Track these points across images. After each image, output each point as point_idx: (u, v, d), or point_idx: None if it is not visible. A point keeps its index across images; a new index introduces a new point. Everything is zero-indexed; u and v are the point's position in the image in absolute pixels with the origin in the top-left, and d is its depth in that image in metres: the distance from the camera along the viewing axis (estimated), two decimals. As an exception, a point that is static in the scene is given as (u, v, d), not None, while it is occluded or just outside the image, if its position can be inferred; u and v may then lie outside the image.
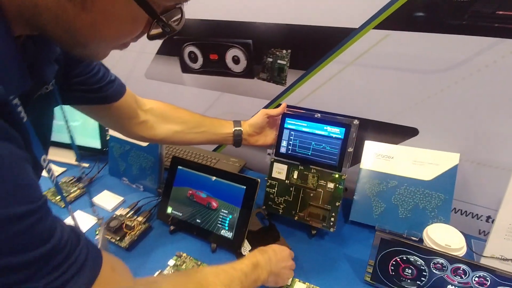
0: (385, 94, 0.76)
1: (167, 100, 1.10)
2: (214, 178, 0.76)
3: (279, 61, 0.83)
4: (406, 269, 0.60)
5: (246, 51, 0.87)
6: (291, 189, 0.78)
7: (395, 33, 0.69)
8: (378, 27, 0.70)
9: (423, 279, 0.59)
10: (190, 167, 0.80)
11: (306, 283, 0.66)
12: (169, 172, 0.82)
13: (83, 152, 1.08)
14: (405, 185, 0.76)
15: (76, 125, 1.03)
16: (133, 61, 1.11)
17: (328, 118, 0.73)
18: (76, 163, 1.05)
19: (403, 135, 0.79)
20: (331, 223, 0.74)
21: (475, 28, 0.62)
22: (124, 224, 0.79)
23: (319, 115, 0.75)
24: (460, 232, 0.64)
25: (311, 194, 0.76)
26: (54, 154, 1.08)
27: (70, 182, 0.96)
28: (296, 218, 0.78)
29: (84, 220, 0.83)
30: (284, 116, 0.77)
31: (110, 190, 0.93)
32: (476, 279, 0.55)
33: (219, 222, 0.75)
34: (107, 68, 0.60)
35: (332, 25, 0.74)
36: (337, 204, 0.73)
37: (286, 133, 0.78)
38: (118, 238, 0.75)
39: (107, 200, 0.89)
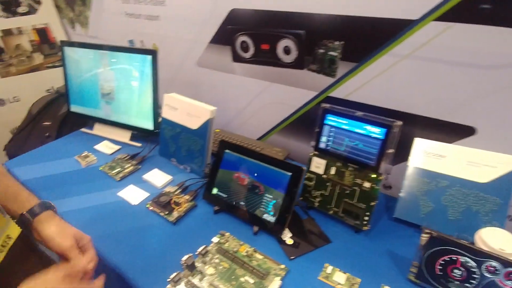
0: (441, 89, 0.73)
1: (217, 88, 1.15)
2: (260, 162, 0.79)
3: (330, 53, 0.83)
4: (455, 270, 0.58)
5: (297, 42, 0.88)
6: (327, 184, 0.78)
7: (458, 25, 0.66)
8: (439, 18, 0.68)
9: (473, 281, 0.57)
10: (237, 151, 0.83)
11: (347, 273, 0.66)
12: (216, 155, 0.86)
13: (137, 133, 1.15)
14: (457, 186, 0.72)
15: (131, 107, 1.10)
16: (186, 50, 1.16)
17: (370, 117, 0.72)
18: (130, 142, 1.13)
19: (457, 134, 0.75)
20: (364, 222, 0.73)
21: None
22: (172, 201, 0.84)
23: (360, 113, 0.73)
24: (517, 238, 0.60)
25: (347, 191, 0.76)
26: (111, 132, 1.17)
27: (124, 159, 1.04)
28: (330, 212, 0.78)
29: (136, 193, 0.89)
30: (325, 112, 0.77)
31: (160, 169, 0.99)
32: (534, 287, 0.52)
33: (263, 206, 0.77)
34: None
35: (389, 16, 0.73)
36: (372, 204, 0.72)
37: (326, 129, 0.77)
38: (166, 213, 0.81)
39: (157, 177, 0.95)
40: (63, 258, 0.55)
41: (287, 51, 0.91)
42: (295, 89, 0.95)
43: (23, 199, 0.57)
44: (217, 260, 0.69)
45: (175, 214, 0.81)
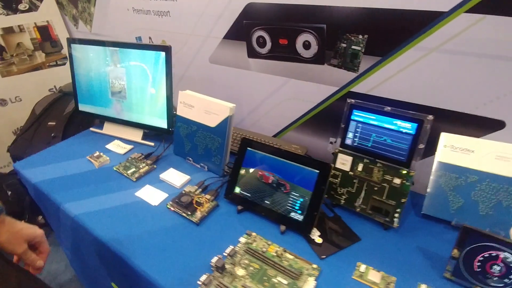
0: (470, 83, 0.72)
1: (231, 85, 1.13)
2: (285, 160, 0.77)
3: (353, 47, 0.82)
4: (494, 266, 0.58)
5: (318, 36, 0.86)
6: (354, 181, 0.77)
7: (489, 17, 0.65)
8: (471, 10, 0.66)
9: (514, 277, 0.56)
10: (260, 149, 0.81)
11: (381, 272, 0.65)
12: (238, 153, 0.84)
13: (148, 132, 1.13)
14: (487, 181, 0.71)
15: (144, 105, 1.07)
16: (199, 46, 1.13)
17: (399, 112, 0.70)
18: (142, 141, 1.11)
19: (486, 128, 0.74)
20: (394, 219, 0.72)
21: None
22: (194, 201, 0.82)
23: (389, 108, 0.72)
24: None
25: (375, 188, 0.74)
26: (123, 132, 1.14)
27: (139, 159, 1.01)
28: (358, 210, 0.77)
29: (154, 194, 0.87)
30: (352, 107, 0.75)
31: (176, 168, 0.97)
32: None
33: (289, 204, 0.75)
34: None
35: (417, 8, 0.71)
36: (403, 200, 0.71)
37: (352, 125, 0.76)
38: (189, 213, 0.79)
39: (174, 177, 0.93)
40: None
41: (306, 46, 0.89)
42: (314, 85, 0.94)
43: None
44: (246, 261, 0.67)
45: (198, 214, 0.79)
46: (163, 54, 0.98)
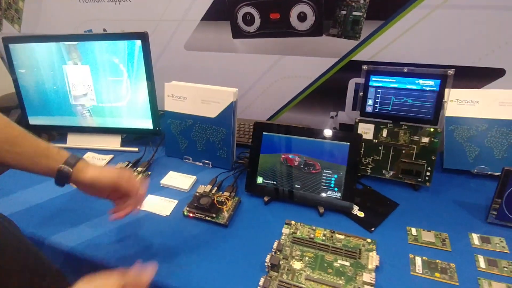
0: (472, 35, 0.74)
1: (213, 72, 1.02)
2: (310, 138, 0.72)
3: (354, 13, 0.79)
4: (536, 202, 0.61)
5: (315, 6, 0.81)
6: (379, 148, 0.76)
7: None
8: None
9: (555, 208, 0.60)
10: (278, 131, 0.74)
11: (432, 231, 0.64)
12: (253, 140, 0.76)
13: (126, 136, 0.98)
14: (495, 127, 0.76)
15: (120, 106, 0.92)
16: (171, 32, 1.01)
17: (419, 71, 0.70)
18: (122, 148, 0.96)
19: (487, 78, 0.78)
20: (427, 178, 0.73)
21: None
22: (216, 200, 0.72)
23: (406, 69, 0.72)
24: None
25: (403, 151, 0.74)
26: (95, 141, 0.97)
27: (127, 168, 0.87)
28: (387, 176, 0.76)
29: (161, 203, 0.75)
30: (369, 73, 0.73)
31: (175, 170, 0.85)
32: None
33: (323, 183, 0.71)
34: None
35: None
36: (433, 158, 0.72)
37: (371, 91, 0.74)
38: (213, 215, 0.69)
39: (178, 180, 0.81)
40: (114, 197, 0.59)
41: (302, 18, 0.84)
42: (312, 59, 0.89)
43: (54, 153, 0.54)
44: (298, 252, 0.61)
45: (225, 214, 0.70)
46: (138, 42, 0.84)
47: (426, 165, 0.72)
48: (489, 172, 0.75)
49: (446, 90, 0.68)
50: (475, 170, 0.76)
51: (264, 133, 0.75)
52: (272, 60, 0.94)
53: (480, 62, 0.77)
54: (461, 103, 0.79)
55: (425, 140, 0.71)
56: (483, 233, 0.63)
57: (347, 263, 0.58)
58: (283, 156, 0.74)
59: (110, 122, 0.95)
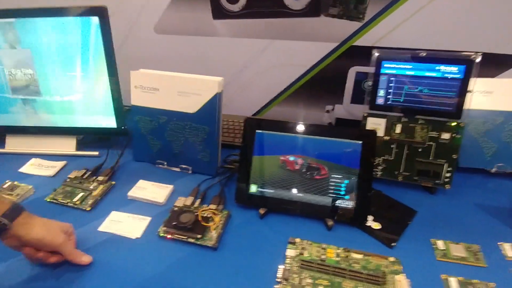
0: (482, 20, 0.66)
1: (189, 59, 0.86)
2: (314, 136, 0.59)
3: (358, -11, 0.68)
4: None
5: (312, -20, 0.69)
6: (392, 146, 0.66)
7: None
8: None
9: None
10: (274, 128, 0.61)
11: (461, 243, 0.54)
12: (244, 140, 0.63)
13: (84, 137, 0.80)
14: (513, 120, 0.68)
15: (74, 101, 0.75)
16: (136, 14, 0.84)
17: (441, 56, 0.61)
18: (78, 152, 0.78)
19: (503, 65, 0.71)
20: (447, 179, 0.64)
21: None
22: (200, 217, 0.58)
23: (424, 53, 0.62)
24: None
25: (419, 149, 0.64)
26: (42, 144, 0.79)
27: (83, 177, 0.69)
28: (400, 179, 0.66)
29: (129, 221, 0.59)
30: (380, 59, 0.63)
31: (147, 179, 0.70)
32: None
33: (331, 191, 0.59)
34: None
35: None
36: (454, 156, 0.63)
37: (383, 80, 0.64)
38: (199, 236, 0.55)
39: (150, 191, 0.66)
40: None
41: (296, -6, 0.71)
42: (307, 44, 0.78)
43: None
44: (309, 280, 0.49)
45: (213, 234, 0.56)
46: (95, 20, 0.67)
47: (446, 164, 0.62)
48: (509, 171, 0.68)
49: (472, 78, 0.59)
50: (494, 169, 0.68)
51: (257, 131, 0.62)
52: (260, 45, 0.81)
53: (494, 49, 0.69)
54: (473, 93, 0.70)
55: (446, 136, 0.62)
56: (516, 243, 0.54)
57: (371, 291, 0.47)
58: (281, 159, 0.61)
59: (62, 121, 0.77)
